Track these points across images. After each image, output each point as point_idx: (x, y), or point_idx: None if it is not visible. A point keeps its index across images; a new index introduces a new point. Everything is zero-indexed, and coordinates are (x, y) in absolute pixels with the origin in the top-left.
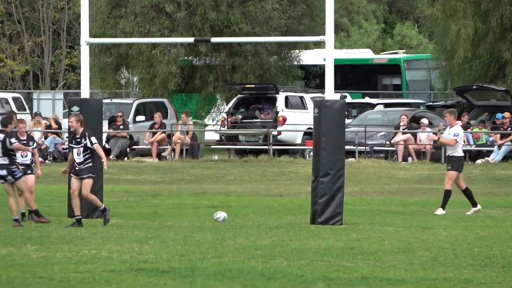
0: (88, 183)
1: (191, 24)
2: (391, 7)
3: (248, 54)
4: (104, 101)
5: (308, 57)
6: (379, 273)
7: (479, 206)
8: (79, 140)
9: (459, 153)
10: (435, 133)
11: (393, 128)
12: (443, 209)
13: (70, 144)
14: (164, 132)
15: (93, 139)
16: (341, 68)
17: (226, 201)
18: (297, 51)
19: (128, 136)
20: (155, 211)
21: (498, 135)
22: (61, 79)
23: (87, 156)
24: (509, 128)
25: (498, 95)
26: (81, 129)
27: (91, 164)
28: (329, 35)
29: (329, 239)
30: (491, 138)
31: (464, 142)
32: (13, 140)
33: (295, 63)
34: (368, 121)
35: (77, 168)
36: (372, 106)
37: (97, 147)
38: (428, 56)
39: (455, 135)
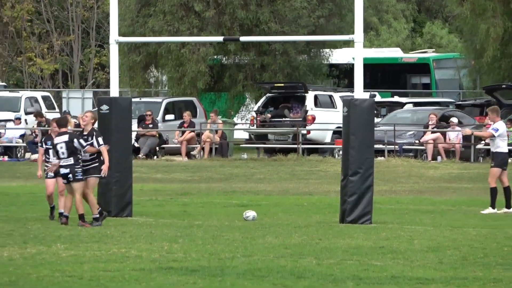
0: (93, 182)
1: (220, 23)
2: (420, 6)
3: (277, 53)
4: (133, 100)
5: (337, 56)
6: (408, 272)
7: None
8: (86, 137)
9: (503, 149)
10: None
11: (422, 127)
12: (493, 208)
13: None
14: (193, 131)
15: (101, 140)
16: (370, 67)
17: (255, 200)
18: (327, 50)
19: (157, 135)
20: (185, 209)
21: None
22: (90, 77)
23: (93, 155)
24: None
25: None
26: (90, 127)
27: (97, 164)
28: (358, 34)
29: (358, 238)
30: None
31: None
32: (82, 141)
33: (324, 62)
34: (397, 120)
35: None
36: (401, 105)
37: (103, 149)
38: (457, 55)
39: (494, 129)
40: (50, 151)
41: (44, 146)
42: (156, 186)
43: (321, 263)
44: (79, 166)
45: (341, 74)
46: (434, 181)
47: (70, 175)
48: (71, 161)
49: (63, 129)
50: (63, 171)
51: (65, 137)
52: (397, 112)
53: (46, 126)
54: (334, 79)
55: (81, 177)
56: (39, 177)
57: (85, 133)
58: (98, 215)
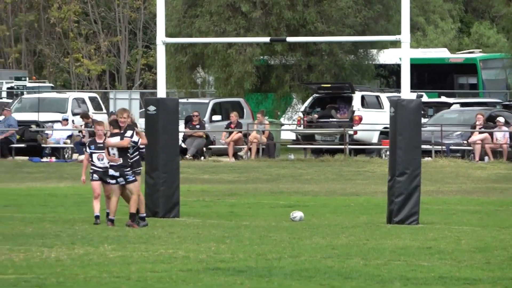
0: (138, 182)
1: (266, 24)
2: (467, 6)
3: (323, 53)
4: (180, 100)
5: (384, 57)
6: (456, 273)
7: None
8: (101, 146)
9: None
10: None
11: (469, 128)
12: None
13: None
14: (240, 132)
15: (129, 133)
16: (417, 67)
17: (302, 200)
18: (374, 50)
19: (204, 136)
20: (232, 210)
21: None
22: (137, 78)
23: (132, 155)
24: None
25: None
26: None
27: (135, 163)
28: (405, 34)
29: (405, 238)
30: None
31: None
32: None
33: (371, 62)
34: (444, 121)
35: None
36: (448, 105)
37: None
38: (504, 55)
39: None
40: (94, 155)
41: (88, 150)
42: (203, 187)
43: (368, 264)
44: (129, 168)
45: (388, 74)
46: (482, 182)
47: (121, 179)
48: (120, 161)
49: (116, 131)
50: (112, 172)
51: (117, 138)
52: (444, 112)
53: (92, 127)
54: (381, 79)
55: (133, 178)
56: (83, 183)
57: (121, 131)
58: (145, 214)
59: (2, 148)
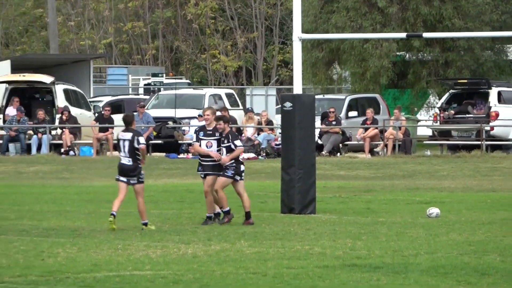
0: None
1: (403, 19)
2: None
3: (461, 49)
4: (316, 96)
5: None
6: None
7: None
8: (222, 139)
9: None
10: None
11: None
12: None
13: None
14: (376, 128)
15: (238, 142)
16: None
17: (439, 196)
18: (511, 46)
19: (340, 132)
20: (368, 206)
21: None
22: (273, 74)
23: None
24: None
25: None
26: (214, 123)
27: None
28: None
29: None
30: None
31: None
32: (141, 139)
33: (509, 57)
34: None
35: (210, 164)
36: None
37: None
38: None
39: None
40: (203, 142)
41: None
42: (339, 183)
43: (505, 260)
44: (140, 168)
45: None
46: None
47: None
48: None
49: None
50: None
51: (129, 135)
52: None
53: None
54: None
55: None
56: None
57: (208, 129)
58: (228, 208)
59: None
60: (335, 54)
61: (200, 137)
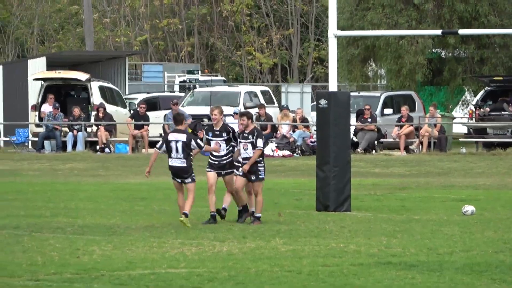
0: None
1: (439, 16)
2: None
3: (496, 46)
4: (351, 94)
5: None
6: None
7: None
8: (218, 133)
9: None
10: None
11: None
12: None
13: (207, 137)
14: (411, 125)
15: (260, 142)
16: None
17: (474, 194)
18: None
19: (376, 129)
20: (403, 204)
21: None
22: (309, 72)
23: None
24: None
25: None
26: (221, 123)
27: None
28: None
29: None
30: None
31: None
32: (200, 142)
33: None
34: None
35: (217, 162)
36: None
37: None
38: None
39: None
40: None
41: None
42: (374, 180)
43: None
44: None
45: None
46: None
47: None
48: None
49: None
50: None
51: (183, 137)
52: None
53: (266, 120)
54: None
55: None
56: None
57: (216, 128)
58: (241, 208)
59: None
60: (370, 51)
61: (208, 137)
